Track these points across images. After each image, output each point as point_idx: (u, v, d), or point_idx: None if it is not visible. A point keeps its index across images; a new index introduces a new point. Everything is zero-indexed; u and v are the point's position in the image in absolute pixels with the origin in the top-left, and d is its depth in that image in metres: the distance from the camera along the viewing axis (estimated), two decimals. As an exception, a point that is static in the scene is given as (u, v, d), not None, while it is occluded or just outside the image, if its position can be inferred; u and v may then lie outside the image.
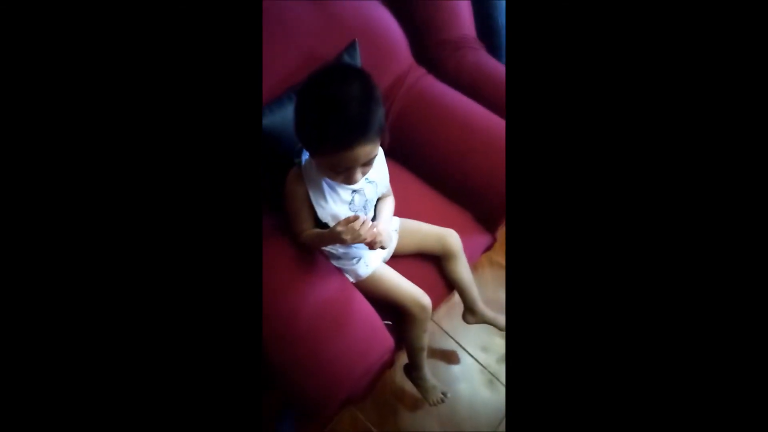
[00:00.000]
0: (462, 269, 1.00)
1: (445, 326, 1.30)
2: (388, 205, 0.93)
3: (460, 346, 1.27)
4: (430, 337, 0.97)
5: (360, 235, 0.72)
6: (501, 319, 1.10)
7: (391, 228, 0.95)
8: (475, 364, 1.24)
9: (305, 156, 0.80)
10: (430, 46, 1.32)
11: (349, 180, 0.74)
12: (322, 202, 0.80)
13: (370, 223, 0.74)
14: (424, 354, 1.00)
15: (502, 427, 1.13)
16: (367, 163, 0.73)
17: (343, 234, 0.72)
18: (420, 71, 1.19)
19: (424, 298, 0.89)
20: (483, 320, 1.09)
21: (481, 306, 1.07)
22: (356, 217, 0.72)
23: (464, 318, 1.10)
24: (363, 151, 0.68)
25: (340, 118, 0.66)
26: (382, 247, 0.78)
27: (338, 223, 0.74)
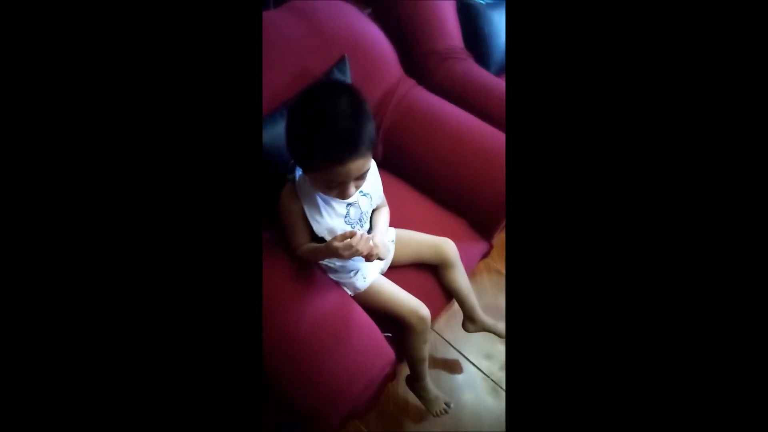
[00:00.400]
0: (459, 277, 1.00)
1: (446, 335, 1.29)
2: (384, 216, 0.93)
3: (462, 355, 1.26)
4: (431, 346, 0.97)
5: (357, 250, 0.72)
6: (501, 326, 1.10)
7: (388, 239, 0.95)
8: (477, 372, 1.23)
9: (299, 172, 0.81)
10: (418, 58, 1.34)
11: (342, 195, 0.74)
12: (318, 217, 0.80)
13: (367, 236, 0.74)
14: (426, 365, 1.00)
15: (508, 434, 1.12)
16: (360, 177, 0.73)
17: (340, 250, 0.72)
18: (410, 83, 1.21)
19: (422, 309, 0.89)
20: (483, 328, 1.09)
21: (481, 314, 1.07)
22: (353, 233, 0.72)
23: (464, 326, 1.10)
24: (355, 165, 0.69)
25: (329, 133, 0.66)
26: (380, 259, 0.78)
27: (334, 239, 0.74)
